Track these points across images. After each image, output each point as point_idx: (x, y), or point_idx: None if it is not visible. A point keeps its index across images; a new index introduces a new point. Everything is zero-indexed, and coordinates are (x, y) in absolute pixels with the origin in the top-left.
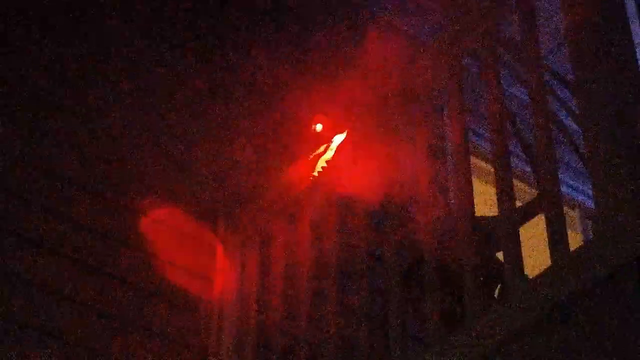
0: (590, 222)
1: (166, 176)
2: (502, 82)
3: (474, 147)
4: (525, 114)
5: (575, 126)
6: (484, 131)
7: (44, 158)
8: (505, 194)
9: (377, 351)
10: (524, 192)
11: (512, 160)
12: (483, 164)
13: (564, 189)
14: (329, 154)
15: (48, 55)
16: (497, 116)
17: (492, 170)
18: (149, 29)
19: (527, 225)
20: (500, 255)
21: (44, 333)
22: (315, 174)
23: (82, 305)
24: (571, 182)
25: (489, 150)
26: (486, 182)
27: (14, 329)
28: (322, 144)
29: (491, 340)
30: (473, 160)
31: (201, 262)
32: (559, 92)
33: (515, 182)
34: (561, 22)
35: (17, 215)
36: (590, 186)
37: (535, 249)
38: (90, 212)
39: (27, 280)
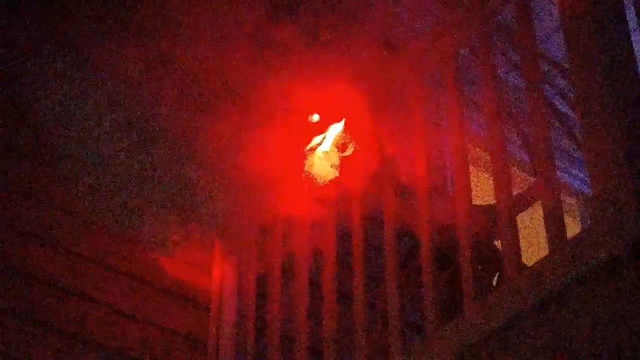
0: (587, 209)
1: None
2: (498, 69)
3: (471, 135)
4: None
5: (569, 112)
6: (480, 119)
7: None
8: (502, 181)
9: (376, 339)
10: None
11: (509, 147)
12: (480, 152)
13: (561, 175)
14: (326, 145)
15: None
16: (494, 104)
17: (490, 158)
18: None
19: (524, 213)
20: (498, 243)
21: (43, 325)
22: (312, 165)
23: (80, 297)
24: (568, 169)
25: (486, 138)
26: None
27: (15, 322)
28: (318, 135)
29: (488, 328)
30: (470, 148)
31: (200, 254)
32: (553, 78)
33: (513, 169)
34: (556, 7)
35: (21, 210)
36: (587, 172)
37: (533, 237)
38: (90, 207)
39: (29, 274)
